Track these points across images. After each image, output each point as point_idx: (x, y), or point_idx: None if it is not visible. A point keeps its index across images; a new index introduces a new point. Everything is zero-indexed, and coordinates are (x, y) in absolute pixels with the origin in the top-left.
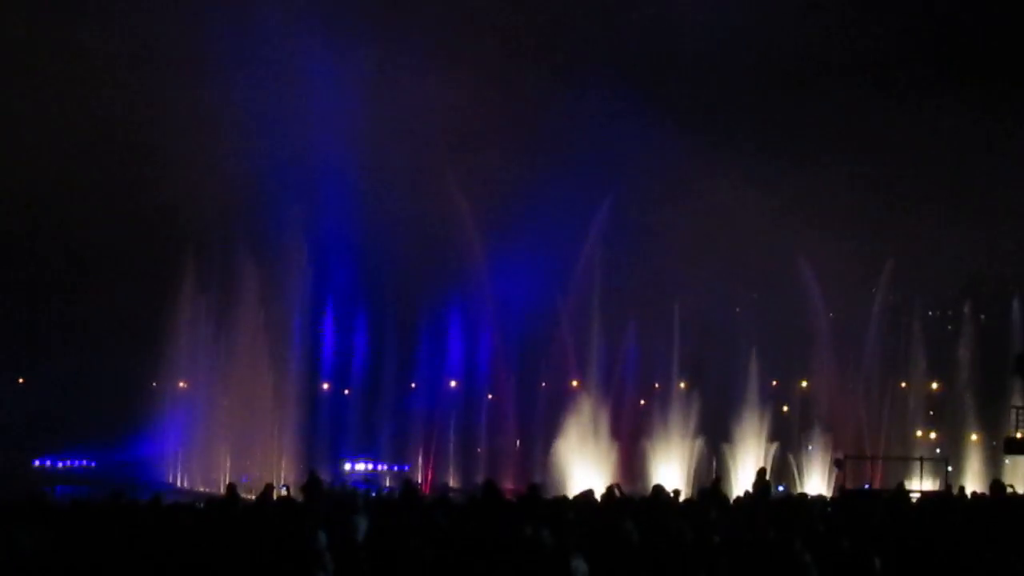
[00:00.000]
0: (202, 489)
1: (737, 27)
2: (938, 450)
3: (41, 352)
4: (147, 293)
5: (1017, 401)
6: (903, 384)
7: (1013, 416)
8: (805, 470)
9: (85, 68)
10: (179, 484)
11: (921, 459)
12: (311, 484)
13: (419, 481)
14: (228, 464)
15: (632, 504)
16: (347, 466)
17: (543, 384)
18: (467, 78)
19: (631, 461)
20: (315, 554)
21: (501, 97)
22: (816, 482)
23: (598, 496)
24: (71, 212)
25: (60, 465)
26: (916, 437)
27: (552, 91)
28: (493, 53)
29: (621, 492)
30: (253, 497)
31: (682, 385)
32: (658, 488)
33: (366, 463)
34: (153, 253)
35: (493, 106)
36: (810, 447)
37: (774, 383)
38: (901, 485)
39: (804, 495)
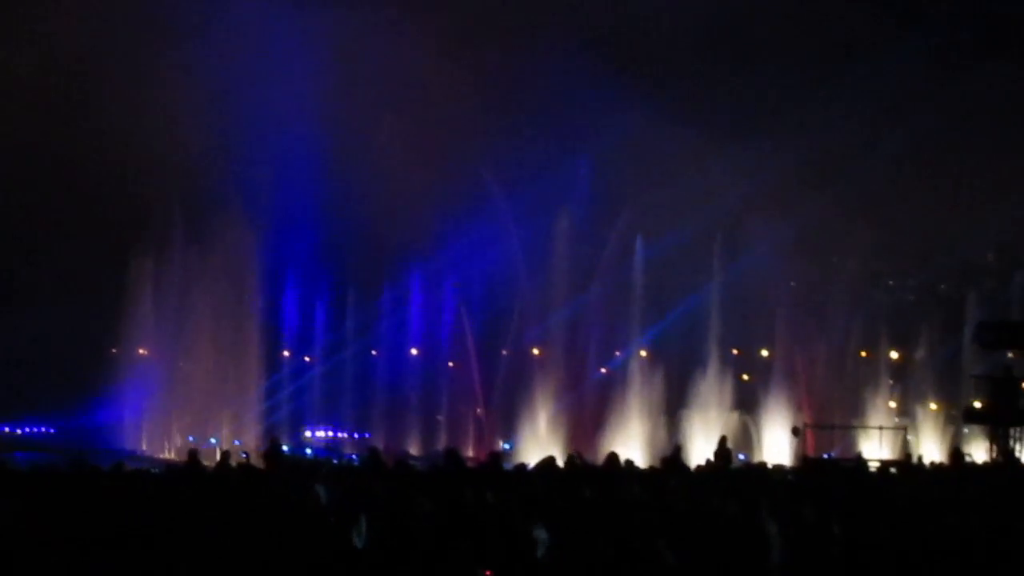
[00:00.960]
0: (163, 456)
1: None
2: (897, 419)
3: None
4: (107, 258)
5: (976, 370)
6: (863, 353)
7: (972, 385)
8: (766, 439)
9: (40, 27)
10: (140, 451)
11: (881, 428)
12: (272, 451)
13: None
14: (200, 432)
15: (592, 472)
16: (308, 433)
17: (504, 352)
18: (430, 44)
19: (592, 429)
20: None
21: (464, 63)
22: (777, 451)
23: (559, 463)
24: (27, 174)
25: (19, 431)
26: (876, 406)
27: (515, 57)
28: (456, 18)
29: (582, 460)
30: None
31: (643, 353)
32: (612, 456)
33: (327, 431)
34: (113, 217)
35: (456, 72)
36: (771, 416)
37: (735, 351)
38: (861, 455)
39: (765, 464)
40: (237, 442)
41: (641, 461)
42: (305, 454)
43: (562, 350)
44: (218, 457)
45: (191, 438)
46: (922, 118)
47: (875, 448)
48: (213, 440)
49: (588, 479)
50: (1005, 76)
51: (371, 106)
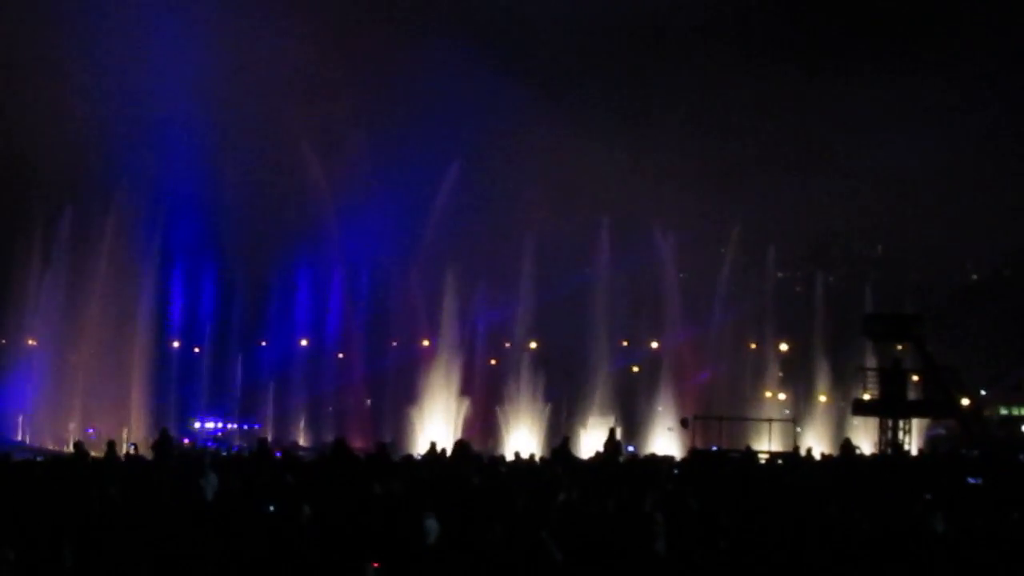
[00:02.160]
0: (51, 446)
1: None
2: (787, 411)
3: None
4: None
5: (865, 362)
6: (753, 345)
7: (861, 377)
8: (655, 430)
9: None
10: (27, 441)
11: (770, 420)
12: (162, 442)
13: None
14: (77, 422)
15: (480, 461)
16: (197, 424)
17: (393, 343)
18: (314, 32)
19: (482, 420)
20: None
21: (349, 52)
22: (666, 442)
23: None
24: None
25: None
26: (765, 398)
27: (399, 46)
28: (342, 8)
29: (471, 451)
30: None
31: (532, 345)
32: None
33: (216, 421)
34: None
35: (342, 61)
36: (660, 408)
37: (624, 343)
38: (749, 447)
39: (654, 455)
40: (89, 430)
41: (535, 452)
42: (194, 445)
43: (452, 341)
44: (104, 448)
45: (90, 430)
46: (808, 111)
47: (764, 440)
48: (90, 430)
49: (477, 469)
50: (886, 76)
51: (256, 94)
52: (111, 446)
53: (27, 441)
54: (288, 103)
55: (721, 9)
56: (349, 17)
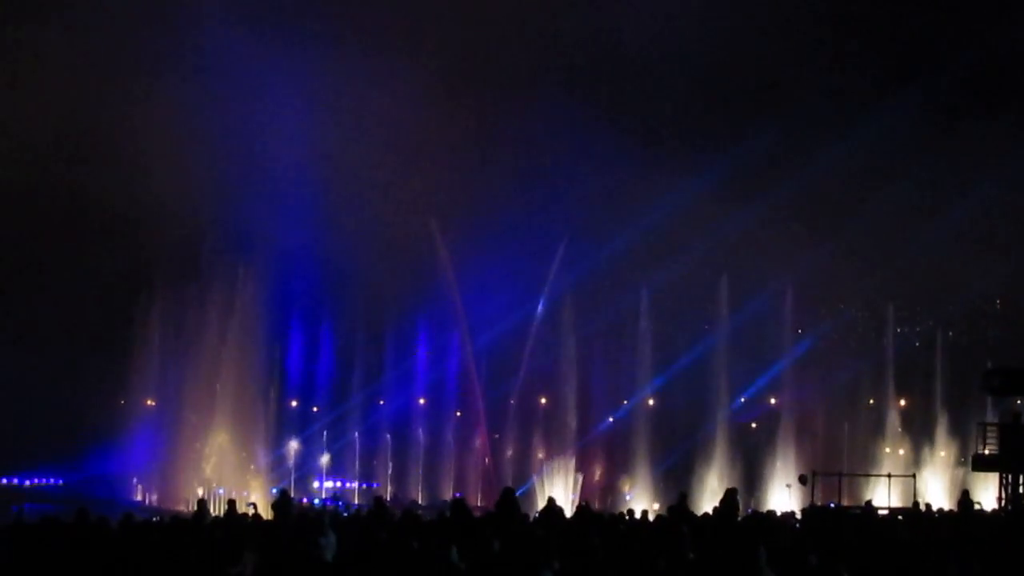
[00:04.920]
0: (175, 507)
1: (687, 40)
2: (906, 467)
3: (4, 369)
4: (113, 310)
5: (984, 417)
6: (871, 400)
7: (980, 432)
8: (774, 487)
9: (49, 73)
10: (147, 502)
11: (889, 475)
12: (282, 502)
13: (387, 498)
14: (198, 482)
15: (601, 521)
16: (315, 483)
17: (512, 401)
18: (424, 90)
19: (601, 477)
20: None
21: (459, 107)
22: (784, 499)
23: (559, 506)
24: (32, 223)
25: (27, 483)
26: (884, 453)
27: (510, 101)
28: (449, 64)
29: (591, 509)
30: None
31: (651, 402)
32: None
33: (334, 480)
34: (119, 267)
35: (452, 119)
36: (779, 464)
37: (742, 399)
38: (869, 503)
39: (772, 512)
40: (220, 490)
41: (650, 510)
42: (313, 504)
43: (570, 399)
44: (224, 507)
45: (219, 491)
46: (926, 166)
47: (883, 496)
48: (220, 490)
49: (598, 528)
50: (1008, 124)
51: (370, 153)
52: (231, 505)
53: (147, 501)
54: (402, 161)
55: (826, 65)
56: (460, 72)
